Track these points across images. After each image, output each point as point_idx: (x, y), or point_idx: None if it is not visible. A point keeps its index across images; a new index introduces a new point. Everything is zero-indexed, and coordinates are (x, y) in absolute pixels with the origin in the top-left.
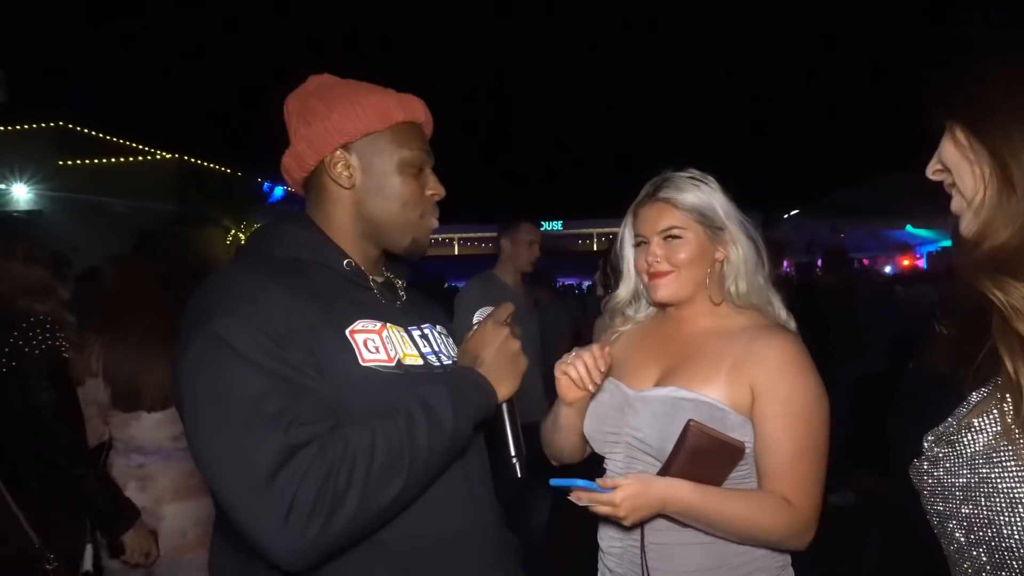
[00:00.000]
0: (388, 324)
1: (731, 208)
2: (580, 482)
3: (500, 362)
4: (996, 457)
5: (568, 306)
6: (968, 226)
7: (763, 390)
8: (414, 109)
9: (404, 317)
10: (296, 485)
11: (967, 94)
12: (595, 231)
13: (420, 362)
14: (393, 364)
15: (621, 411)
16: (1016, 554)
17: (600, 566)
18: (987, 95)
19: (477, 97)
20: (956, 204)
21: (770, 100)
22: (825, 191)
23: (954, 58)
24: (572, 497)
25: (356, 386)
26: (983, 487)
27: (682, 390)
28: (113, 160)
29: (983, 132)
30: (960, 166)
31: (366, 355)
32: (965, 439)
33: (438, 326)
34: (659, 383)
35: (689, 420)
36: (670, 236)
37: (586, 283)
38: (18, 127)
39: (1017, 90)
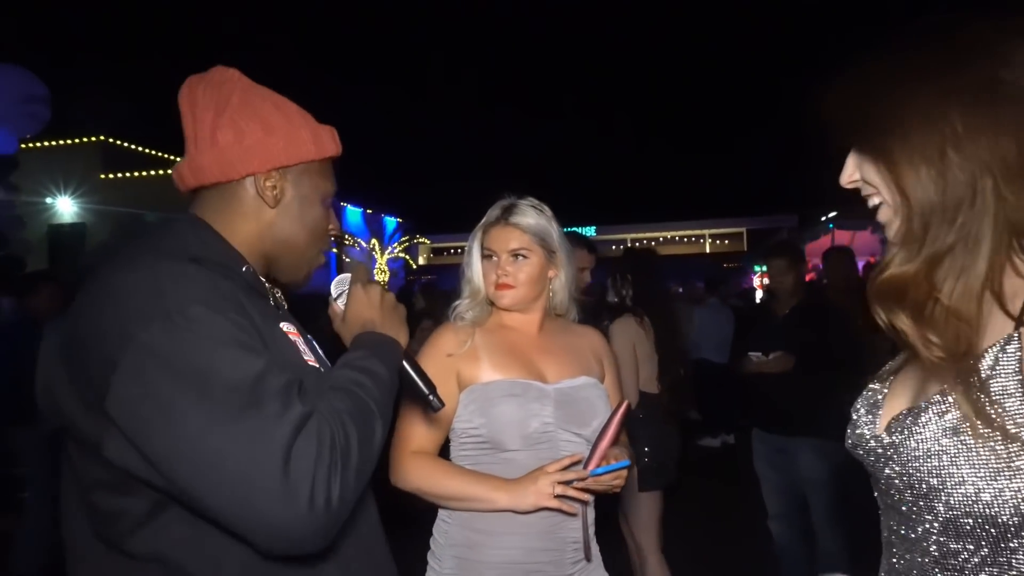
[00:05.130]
0: (298, 331)
1: (562, 235)
2: (621, 464)
3: (388, 317)
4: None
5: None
6: (896, 235)
7: (607, 366)
8: (338, 145)
9: (298, 326)
10: (314, 454)
11: (890, 135)
12: (628, 236)
13: (322, 370)
14: (320, 368)
15: (540, 403)
16: (965, 517)
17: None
18: (905, 141)
19: (508, 106)
20: (884, 214)
21: (807, 92)
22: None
23: (876, 92)
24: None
25: (308, 379)
26: (934, 463)
27: (583, 377)
28: (154, 173)
29: (901, 177)
30: (883, 188)
31: (303, 355)
32: (922, 419)
33: (311, 338)
34: (560, 376)
35: (625, 401)
36: (518, 255)
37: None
38: (62, 142)
39: (929, 136)
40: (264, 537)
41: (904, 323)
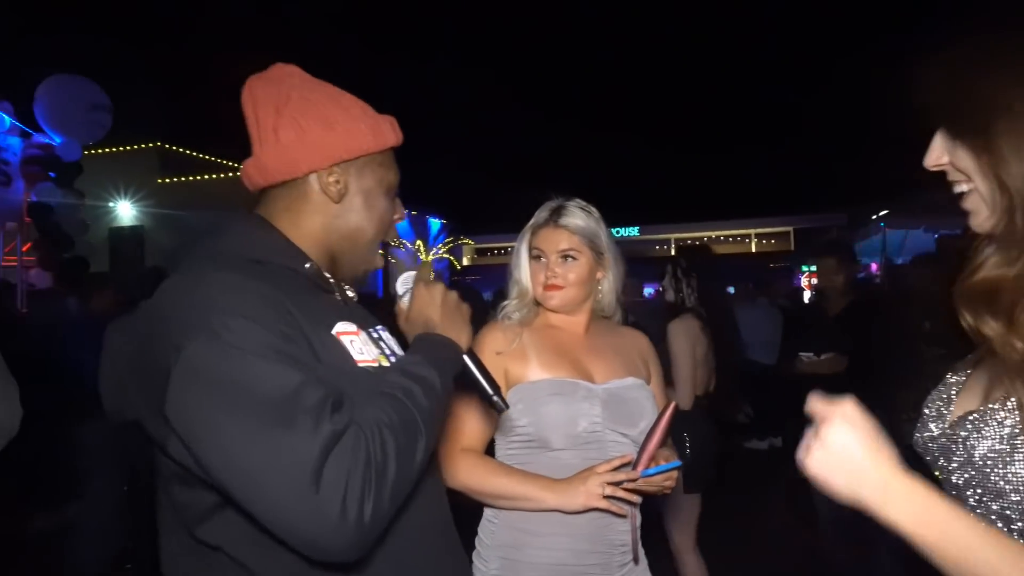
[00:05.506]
0: (359, 327)
1: (610, 237)
2: (672, 464)
3: (450, 317)
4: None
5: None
6: (983, 224)
7: (652, 368)
8: (399, 134)
9: (363, 320)
10: (346, 471)
11: (995, 119)
12: (673, 236)
13: (388, 364)
14: (377, 366)
15: (588, 403)
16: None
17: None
18: (1011, 128)
19: (551, 107)
20: (972, 202)
21: (857, 84)
22: (918, 189)
23: (980, 72)
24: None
25: (356, 384)
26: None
27: (630, 378)
28: (208, 177)
29: (1002, 166)
30: (978, 178)
31: (355, 356)
32: (984, 421)
33: (383, 328)
34: (608, 376)
35: (673, 402)
36: (567, 256)
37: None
38: (120, 148)
39: None
40: (299, 547)
41: (991, 328)
